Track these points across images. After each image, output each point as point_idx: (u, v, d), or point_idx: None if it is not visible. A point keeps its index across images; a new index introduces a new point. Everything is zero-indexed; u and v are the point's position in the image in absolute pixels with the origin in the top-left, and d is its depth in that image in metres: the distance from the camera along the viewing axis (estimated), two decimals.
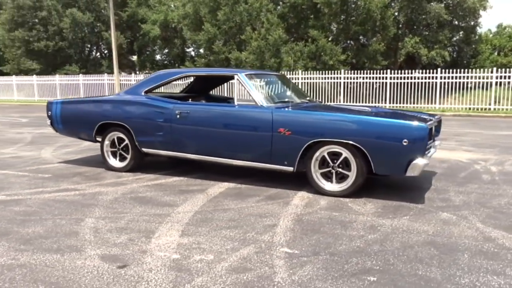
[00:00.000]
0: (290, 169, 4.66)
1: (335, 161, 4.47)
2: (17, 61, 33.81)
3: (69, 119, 6.07)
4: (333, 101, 18.06)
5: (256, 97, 4.87)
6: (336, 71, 18.34)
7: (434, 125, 4.90)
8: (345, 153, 4.39)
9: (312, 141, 4.47)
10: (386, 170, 4.34)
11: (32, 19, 33.31)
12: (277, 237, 3.36)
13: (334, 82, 18.11)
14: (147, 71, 32.65)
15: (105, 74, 23.64)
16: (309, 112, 4.70)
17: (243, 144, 4.89)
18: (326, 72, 18.41)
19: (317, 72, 18.85)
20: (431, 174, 5.55)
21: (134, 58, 37.46)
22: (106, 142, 5.80)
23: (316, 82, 18.39)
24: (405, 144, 4.13)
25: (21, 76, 28.51)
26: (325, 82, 18.21)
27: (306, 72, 19.00)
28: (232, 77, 5.01)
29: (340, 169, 4.48)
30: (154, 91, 5.79)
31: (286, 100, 5.23)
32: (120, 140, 5.71)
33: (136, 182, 5.18)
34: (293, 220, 3.76)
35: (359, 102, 17.56)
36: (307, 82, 18.52)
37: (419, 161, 4.13)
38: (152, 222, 3.70)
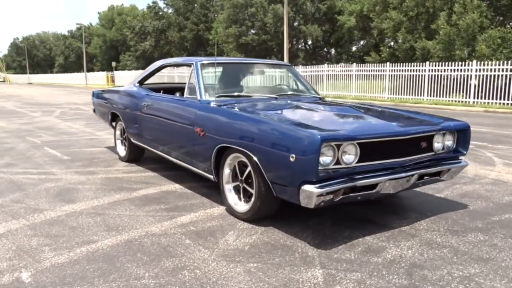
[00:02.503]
0: (211, 177, 3.83)
1: (244, 173, 3.46)
2: (229, 54, 38.06)
3: (98, 107, 6.44)
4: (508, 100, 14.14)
5: (198, 89, 4.14)
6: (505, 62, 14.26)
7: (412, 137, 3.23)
8: (250, 166, 3.34)
9: (220, 145, 3.56)
10: (284, 194, 3.09)
11: (243, 16, 36.79)
12: (56, 258, 2.79)
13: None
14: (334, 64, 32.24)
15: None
16: (227, 110, 3.72)
17: (176, 142, 4.28)
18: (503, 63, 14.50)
19: (495, 63, 14.99)
20: (460, 208, 3.75)
21: (332, 50, 37.50)
22: (117, 131, 5.91)
23: (492, 75, 14.66)
24: (292, 160, 2.86)
25: None
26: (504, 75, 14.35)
27: (481, 63, 15.30)
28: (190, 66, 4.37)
29: (246, 185, 3.45)
30: (146, 82, 5.56)
31: (249, 94, 4.30)
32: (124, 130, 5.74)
33: (111, 173, 5.11)
34: (123, 240, 3.06)
35: None
36: (483, 75, 14.97)
37: (309, 188, 2.80)
38: (12, 215, 3.58)
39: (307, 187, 2.79)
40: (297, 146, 2.83)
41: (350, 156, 2.95)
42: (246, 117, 3.41)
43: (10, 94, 26.32)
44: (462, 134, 3.68)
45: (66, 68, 73.72)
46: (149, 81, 5.64)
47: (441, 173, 3.57)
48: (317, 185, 2.79)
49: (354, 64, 19.49)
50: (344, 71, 19.64)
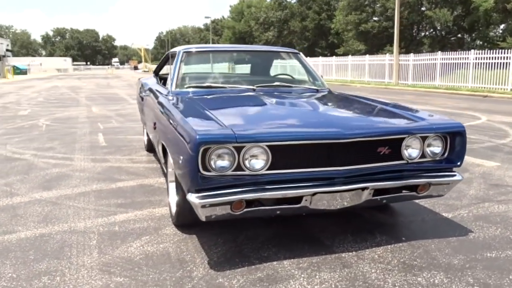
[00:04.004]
0: None
1: None
2: (348, 42, 36.72)
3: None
4: None
5: (171, 79, 3.88)
6: None
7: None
8: None
9: (161, 141, 3.26)
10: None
11: (364, 2, 35.08)
12: None
13: None
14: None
15: (387, 54, 22.46)
16: (167, 103, 3.37)
17: (150, 134, 4.09)
18: None
19: None
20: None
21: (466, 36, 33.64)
22: None
23: None
24: (180, 162, 2.45)
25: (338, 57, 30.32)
26: None
27: None
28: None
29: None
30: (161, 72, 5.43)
31: (223, 86, 3.85)
32: None
33: (120, 162, 5.15)
34: (38, 234, 2.97)
35: None
36: None
37: (191, 198, 2.36)
38: None
39: (190, 196, 2.36)
40: (184, 146, 2.41)
41: (257, 161, 2.42)
42: (169, 111, 3.06)
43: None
44: (455, 139, 2.81)
45: None
46: None
47: (418, 188, 2.77)
48: (202, 194, 2.34)
49: (472, 51, 17.03)
50: (460, 59, 17.31)
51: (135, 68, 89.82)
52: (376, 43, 34.34)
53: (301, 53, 4.51)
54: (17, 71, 47.86)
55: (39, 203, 3.66)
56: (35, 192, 3.96)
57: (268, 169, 2.44)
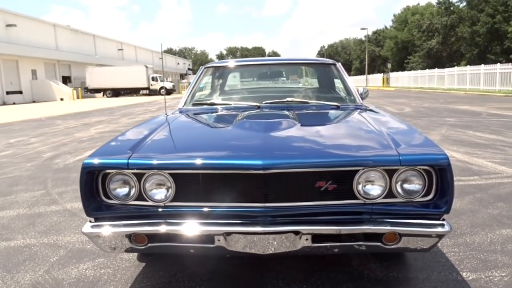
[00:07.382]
0: None
1: None
2: None
3: None
4: None
5: (184, 96, 3.84)
6: None
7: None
8: None
9: None
10: None
11: None
12: None
13: None
14: None
15: None
16: (153, 122, 3.22)
17: None
18: None
19: None
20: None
21: None
22: None
23: None
24: None
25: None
26: None
27: None
28: None
29: None
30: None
31: (227, 103, 3.57)
32: None
33: None
34: (23, 245, 3.16)
35: None
36: None
37: (83, 227, 2.19)
38: (32, 202, 4.21)
39: (84, 226, 2.20)
40: None
41: (158, 191, 2.14)
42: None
43: None
44: (437, 175, 2.06)
45: (361, 71, 77.44)
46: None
47: (383, 237, 2.10)
48: (95, 223, 2.17)
49: None
50: None
51: None
52: None
53: (338, 63, 3.95)
54: None
55: (62, 213, 3.91)
56: (71, 202, 4.26)
57: (173, 201, 2.14)
